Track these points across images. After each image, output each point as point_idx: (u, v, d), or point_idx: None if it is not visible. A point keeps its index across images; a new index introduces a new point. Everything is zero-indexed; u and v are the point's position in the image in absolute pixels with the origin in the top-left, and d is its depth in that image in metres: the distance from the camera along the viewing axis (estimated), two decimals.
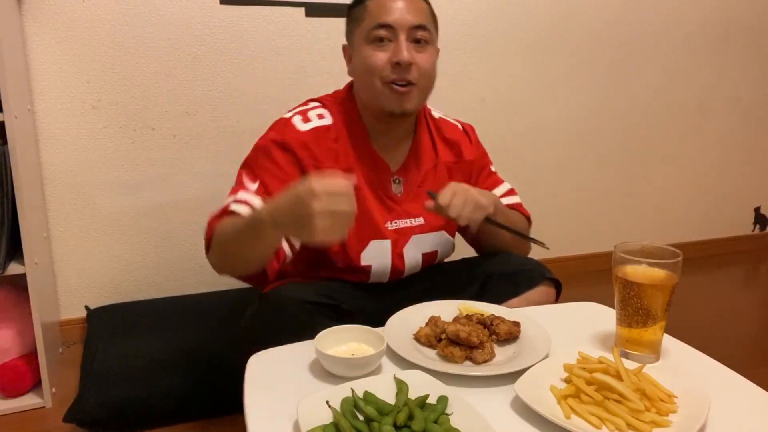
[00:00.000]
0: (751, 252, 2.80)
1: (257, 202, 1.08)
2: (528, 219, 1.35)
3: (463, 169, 1.31)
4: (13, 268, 1.39)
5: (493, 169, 1.37)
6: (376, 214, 1.20)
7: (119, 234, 1.84)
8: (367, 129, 1.21)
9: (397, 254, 1.23)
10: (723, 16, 2.46)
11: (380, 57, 1.12)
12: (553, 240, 2.42)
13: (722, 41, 2.49)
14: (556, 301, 1.25)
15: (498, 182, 1.35)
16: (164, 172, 1.85)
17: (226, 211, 1.08)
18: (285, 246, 1.10)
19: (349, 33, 1.21)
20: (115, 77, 1.74)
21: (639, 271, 0.88)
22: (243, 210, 1.07)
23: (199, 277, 1.95)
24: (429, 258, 1.28)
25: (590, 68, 2.31)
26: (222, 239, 1.05)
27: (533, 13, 2.17)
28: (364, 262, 1.20)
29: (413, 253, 1.25)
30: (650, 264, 0.88)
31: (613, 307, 0.94)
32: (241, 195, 1.10)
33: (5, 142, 1.34)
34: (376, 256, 1.21)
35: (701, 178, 2.65)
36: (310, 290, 1.13)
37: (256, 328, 1.05)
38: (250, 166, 1.14)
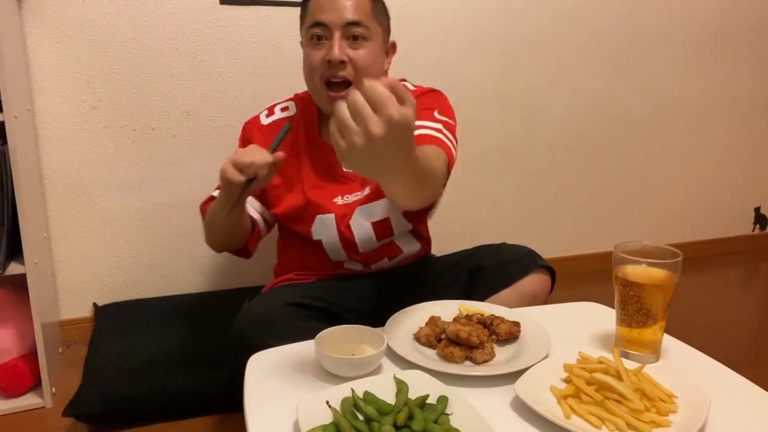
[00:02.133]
0: (751, 252, 2.80)
1: None
2: (448, 157, 1.12)
3: None
4: (13, 268, 1.39)
5: (436, 114, 1.20)
6: (321, 192, 1.27)
7: (119, 234, 1.84)
8: (321, 118, 1.29)
9: (345, 226, 1.26)
10: (723, 17, 2.46)
11: (317, 55, 1.16)
12: (553, 240, 2.45)
13: (722, 41, 2.49)
14: (552, 288, 1.25)
15: (431, 119, 1.18)
16: (164, 172, 1.85)
17: (210, 198, 1.28)
18: (260, 222, 1.31)
19: (300, 33, 1.26)
20: (115, 77, 1.74)
21: (639, 271, 0.88)
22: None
23: (199, 276, 1.95)
24: (381, 226, 1.27)
25: (590, 68, 2.31)
26: (208, 220, 1.23)
27: (533, 13, 2.17)
28: (315, 237, 1.28)
29: (361, 223, 1.26)
30: (650, 264, 0.88)
31: (613, 307, 0.94)
32: None
33: (5, 142, 1.34)
34: (323, 230, 1.27)
35: (701, 178, 2.65)
36: (298, 293, 1.15)
37: (244, 333, 1.05)
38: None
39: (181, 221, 1.89)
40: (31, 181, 1.54)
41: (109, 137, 1.77)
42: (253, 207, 1.30)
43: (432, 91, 1.30)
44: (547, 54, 2.23)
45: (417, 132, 1.12)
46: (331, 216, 1.26)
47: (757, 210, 2.82)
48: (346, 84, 1.16)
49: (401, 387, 0.79)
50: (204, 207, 1.29)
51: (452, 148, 1.16)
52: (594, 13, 2.25)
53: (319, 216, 1.26)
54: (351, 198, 1.27)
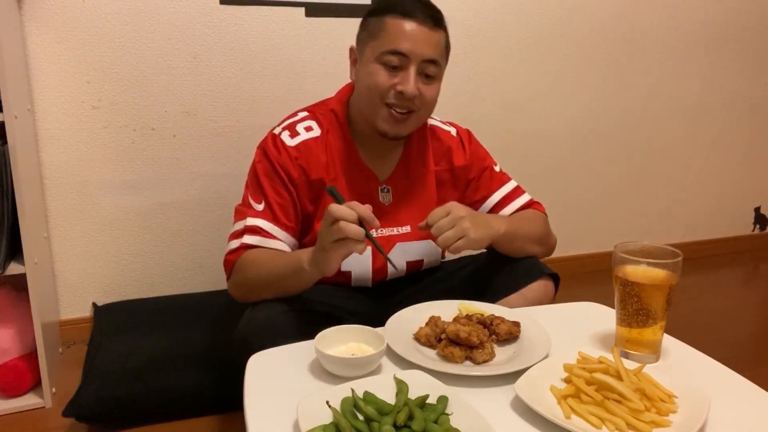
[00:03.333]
0: (751, 252, 2.80)
1: (265, 224, 1.14)
2: (544, 213, 1.38)
3: (456, 176, 1.31)
4: (13, 268, 1.39)
5: (497, 169, 1.37)
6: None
7: (119, 234, 1.84)
8: (357, 139, 1.23)
9: (380, 260, 1.23)
10: (723, 16, 2.46)
11: (387, 80, 1.13)
12: None
13: (722, 41, 2.49)
14: (555, 294, 1.25)
15: (503, 181, 1.35)
16: (164, 172, 1.85)
17: (243, 246, 1.13)
18: None
19: (361, 41, 1.20)
20: (115, 77, 1.74)
21: (639, 271, 0.88)
22: (257, 241, 1.13)
23: (199, 276, 1.95)
24: (414, 265, 1.29)
25: (590, 68, 2.31)
26: (252, 279, 1.10)
27: (533, 13, 2.17)
28: (344, 268, 1.22)
29: (397, 260, 1.25)
30: (650, 264, 0.88)
31: (613, 307, 0.94)
32: (250, 221, 1.14)
33: (5, 142, 1.34)
34: (356, 262, 1.22)
35: (701, 178, 2.65)
36: (301, 298, 1.13)
37: (247, 338, 1.03)
38: (253, 187, 1.19)
39: (181, 221, 1.89)
40: (31, 181, 1.54)
41: (109, 137, 1.77)
42: (287, 244, 1.17)
43: (471, 144, 1.34)
44: (546, 54, 2.23)
45: (515, 204, 1.33)
46: (368, 249, 1.20)
47: (757, 210, 2.82)
48: (408, 111, 1.15)
49: (401, 387, 0.79)
50: (233, 258, 1.14)
51: (531, 198, 1.37)
52: (594, 13, 2.25)
53: None
54: (386, 231, 1.24)
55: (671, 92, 2.47)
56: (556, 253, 2.40)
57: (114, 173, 1.80)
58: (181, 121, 1.83)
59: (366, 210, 0.95)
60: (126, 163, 1.80)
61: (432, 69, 1.14)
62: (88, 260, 1.82)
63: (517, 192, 1.35)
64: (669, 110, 2.49)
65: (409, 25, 1.11)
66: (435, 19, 1.14)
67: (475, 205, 1.33)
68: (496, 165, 1.37)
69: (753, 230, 2.84)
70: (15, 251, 1.42)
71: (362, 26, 1.20)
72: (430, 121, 1.32)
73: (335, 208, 0.94)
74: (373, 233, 1.22)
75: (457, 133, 1.34)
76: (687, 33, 2.42)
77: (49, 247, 1.75)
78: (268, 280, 1.09)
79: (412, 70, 1.12)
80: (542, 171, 2.35)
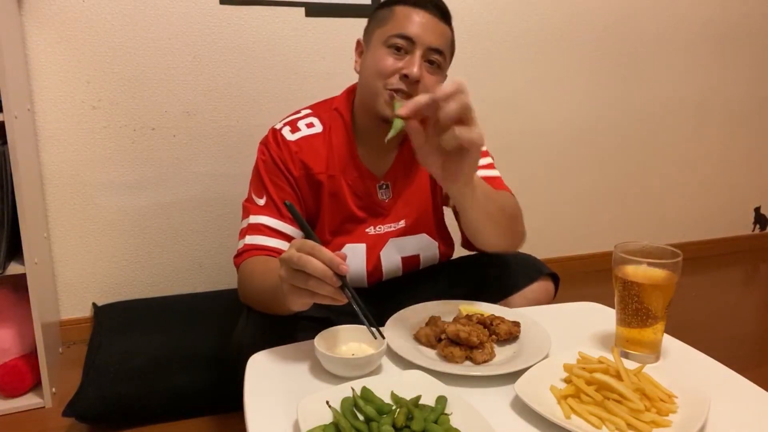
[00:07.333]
0: (751, 252, 2.80)
1: (268, 221, 1.14)
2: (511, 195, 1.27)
3: None
4: (13, 268, 1.39)
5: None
6: (354, 219, 1.22)
7: (119, 234, 1.84)
8: (357, 136, 1.23)
9: (374, 258, 1.23)
10: (724, 18, 2.46)
11: (392, 63, 1.13)
12: (553, 240, 2.45)
13: (723, 43, 2.49)
14: (555, 295, 1.25)
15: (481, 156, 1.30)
16: (164, 172, 1.85)
17: (246, 249, 1.13)
18: None
19: (369, 31, 1.21)
20: (115, 77, 1.74)
21: (639, 271, 0.88)
22: (260, 241, 1.12)
23: (199, 276, 1.95)
24: (410, 262, 1.28)
25: (591, 69, 2.31)
26: (248, 294, 1.10)
27: (534, 14, 2.17)
28: None
29: (391, 257, 1.25)
30: (650, 264, 0.88)
31: (613, 307, 0.94)
32: (253, 218, 1.15)
33: (5, 142, 1.34)
34: (350, 259, 1.20)
35: (701, 178, 2.65)
36: None
37: (242, 347, 1.01)
38: (256, 182, 1.20)
39: (181, 221, 1.89)
40: (31, 181, 1.54)
41: (109, 137, 1.77)
42: (295, 238, 1.16)
43: None
44: (546, 54, 2.23)
45: (485, 173, 1.21)
46: (362, 246, 1.22)
47: (757, 210, 2.82)
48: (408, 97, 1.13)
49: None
50: (237, 263, 1.14)
51: (501, 177, 1.25)
52: (595, 13, 2.25)
53: (349, 245, 1.21)
54: (384, 228, 1.24)
55: (672, 92, 2.47)
56: (557, 253, 2.42)
57: (114, 173, 1.80)
58: (181, 121, 1.83)
59: (332, 256, 0.80)
60: (126, 163, 1.80)
61: (436, 57, 1.14)
62: (88, 260, 1.83)
63: (489, 166, 1.27)
64: (669, 110, 2.49)
65: (417, 14, 1.13)
66: (443, 12, 1.16)
67: None
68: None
69: (753, 230, 2.84)
70: (15, 251, 1.42)
71: (371, 18, 1.21)
72: None
73: (298, 258, 0.80)
74: (370, 230, 1.22)
75: None
76: (688, 34, 2.42)
77: (49, 247, 1.76)
78: (258, 298, 1.06)
79: (417, 54, 1.12)
80: (542, 171, 2.35)
